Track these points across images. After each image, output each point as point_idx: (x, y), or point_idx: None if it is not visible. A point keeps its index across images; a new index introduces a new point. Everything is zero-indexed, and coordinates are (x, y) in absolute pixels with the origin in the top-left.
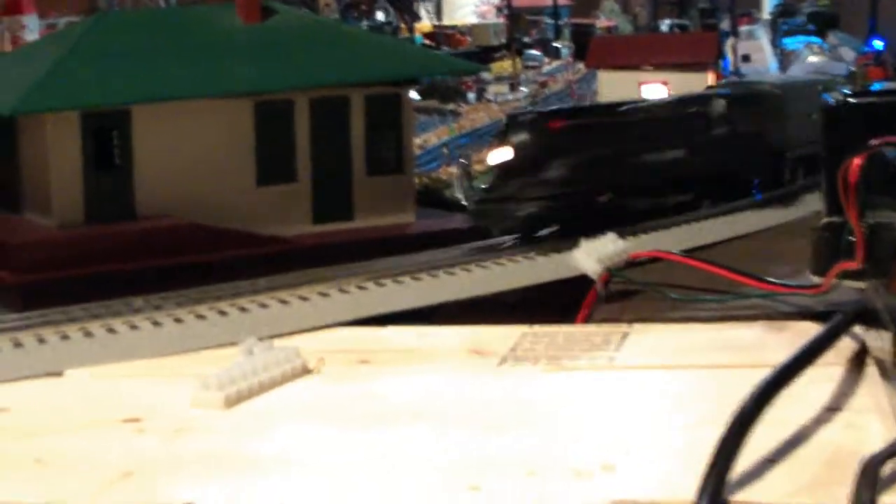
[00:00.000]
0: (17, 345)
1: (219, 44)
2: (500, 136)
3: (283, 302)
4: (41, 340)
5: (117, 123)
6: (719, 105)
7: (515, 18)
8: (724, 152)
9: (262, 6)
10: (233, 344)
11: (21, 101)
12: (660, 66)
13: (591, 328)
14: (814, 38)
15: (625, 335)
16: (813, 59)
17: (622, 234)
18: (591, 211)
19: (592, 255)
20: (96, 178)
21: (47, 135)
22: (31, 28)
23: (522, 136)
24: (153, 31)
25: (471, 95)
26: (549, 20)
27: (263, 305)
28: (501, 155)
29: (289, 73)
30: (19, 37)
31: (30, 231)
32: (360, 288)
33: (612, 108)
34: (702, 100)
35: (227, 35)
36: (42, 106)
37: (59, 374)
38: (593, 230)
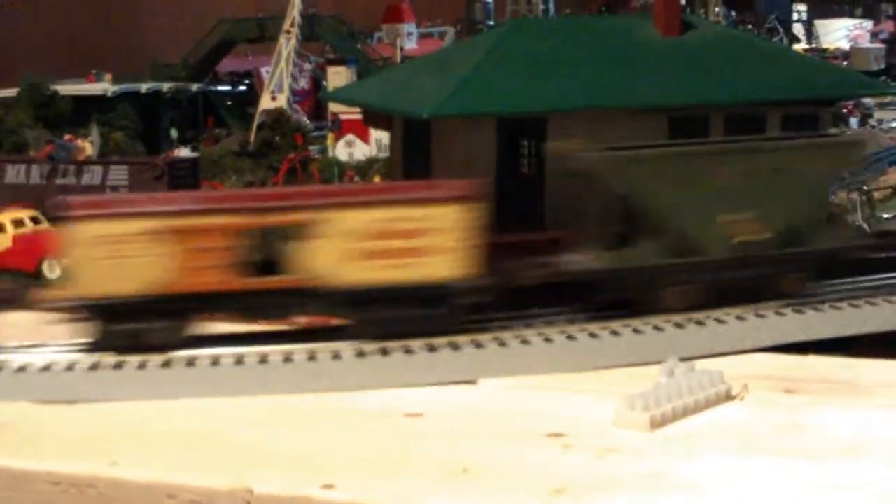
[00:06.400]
0: (431, 350)
1: (636, 55)
2: None
3: (699, 323)
4: (455, 347)
5: (533, 131)
6: None
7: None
8: None
9: (682, 20)
10: (648, 363)
11: (439, 105)
12: None
13: None
14: None
15: None
16: None
17: None
18: None
19: None
20: (508, 185)
21: (462, 139)
22: (411, 36)
23: None
24: (568, 38)
25: (853, 120)
26: None
27: (679, 326)
28: None
29: (706, 88)
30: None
31: None
32: (778, 314)
33: None
34: None
35: (645, 46)
36: (459, 110)
37: (472, 382)
38: None
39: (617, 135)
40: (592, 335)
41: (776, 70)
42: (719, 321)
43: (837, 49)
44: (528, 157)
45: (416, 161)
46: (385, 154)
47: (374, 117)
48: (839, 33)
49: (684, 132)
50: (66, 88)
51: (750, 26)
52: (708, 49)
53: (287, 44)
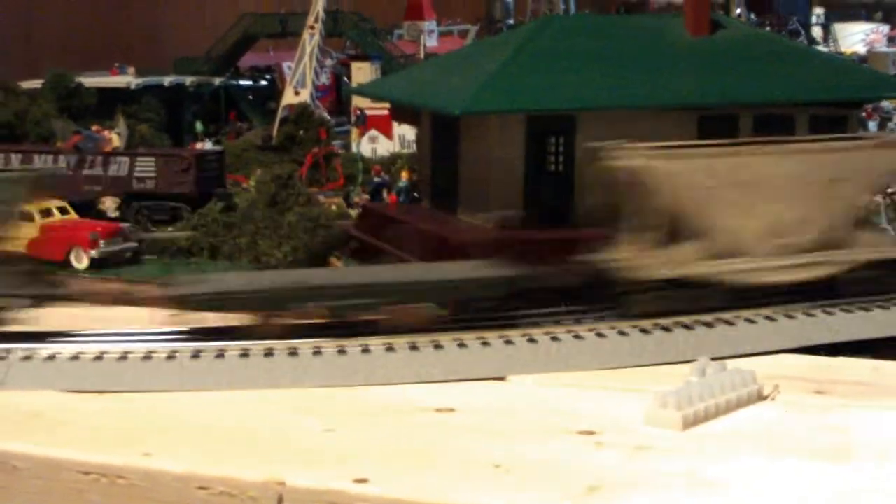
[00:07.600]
0: (462, 345)
1: (665, 54)
2: None
3: (729, 323)
4: (485, 343)
5: (562, 129)
6: None
7: None
8: None
9: (711, 19)
10: (678, 362)
11: (469, 102)
12: None
13: None
14: None
15: None
16: None
17: None
18: None
19: None
20: (536, 183)
21: (491, 136)
22: (432, 34)
23: None
24: (597, 37)
25: (871, 124)
26: None
27: (708, 325)
28: None
29: (735, 88)
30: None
31: (468, 231)
32: (808, 315)
33: None
34: None
35: (674, 46)
36: (490, 107)
37: (502, 378)
38: None
39: (644, 134)
40: (622, 333)
41: (806, 71)
42: (749, 321)
43: (854, 53)
44: (557, 155)
45: (444, 157)
46: (408, 150)
47: (402, 112)
48: (856, 37)
49: (714, 132)
50: (91, 81)
51: (768, 28)
52: (737, 49)
53: (311, 39)
